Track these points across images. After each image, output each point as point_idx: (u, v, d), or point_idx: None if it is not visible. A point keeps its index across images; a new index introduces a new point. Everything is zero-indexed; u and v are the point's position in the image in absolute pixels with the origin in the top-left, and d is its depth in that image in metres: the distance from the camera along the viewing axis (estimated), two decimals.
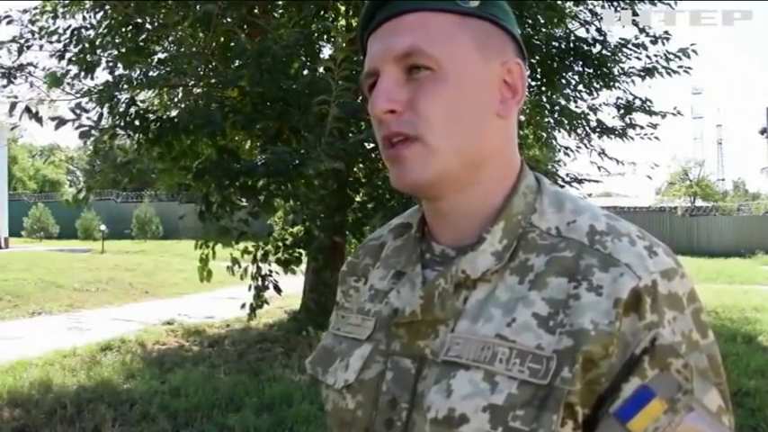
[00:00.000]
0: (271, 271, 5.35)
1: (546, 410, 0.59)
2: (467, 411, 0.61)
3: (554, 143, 7.88)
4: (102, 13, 5.89)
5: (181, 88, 6.26)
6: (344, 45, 4.34)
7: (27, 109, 4.64)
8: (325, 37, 5.87)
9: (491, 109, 0.70)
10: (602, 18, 6.77)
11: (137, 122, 4.77)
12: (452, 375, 0.64)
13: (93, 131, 4.78)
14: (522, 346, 0.62)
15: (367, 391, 0.71)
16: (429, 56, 0.67)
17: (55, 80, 5.21)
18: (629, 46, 6.47)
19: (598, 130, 7.18)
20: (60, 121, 4.57)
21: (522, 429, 0.59)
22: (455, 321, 0.67)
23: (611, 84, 6.74)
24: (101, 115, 4.94)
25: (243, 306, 5.41)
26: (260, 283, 5.32)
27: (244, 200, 4.82)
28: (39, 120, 4.63)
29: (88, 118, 4.77)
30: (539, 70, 6.44)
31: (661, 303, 0.62)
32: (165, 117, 5.03)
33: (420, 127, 0.67)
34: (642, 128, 7.19)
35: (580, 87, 6.90)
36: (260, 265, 5.31)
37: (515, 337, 0.63)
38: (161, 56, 6.16)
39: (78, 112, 4.67)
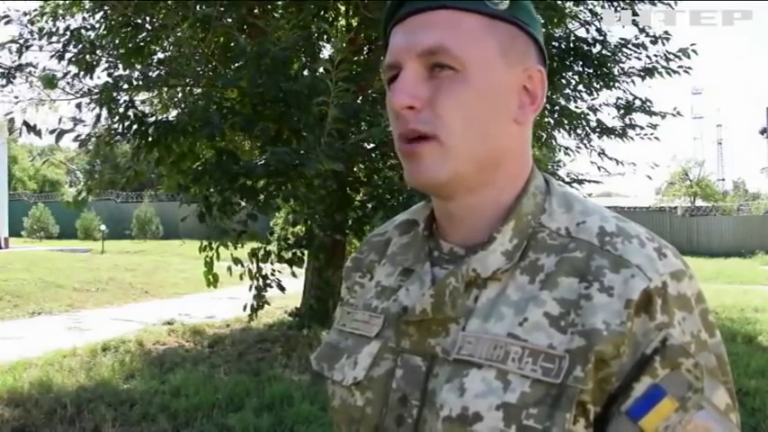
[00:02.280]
0: (274, 271, 5.35)
1: (559, 409, 0.60)
2: (480, 410, 0.62)
3: (554, 143, 7.88)
4: (101, 13, 5.89)
5: (180, 88, 6.27)
6: (344, 45, 4.35)
7: (25, 123, 4.67)
8: (325, 37, 5.87)
9: (509, 114, 0.70)
10: (602, 18, 6.76)
11: (135, 126, 4.77)
12: (465, 374, 0.65)
13: (91, 138, 4.80)
14: (535, 345, 0.63)
15: (376, 388, 0.71)
16: (454, 56, 0.67)
17: (48, 82, 5.21)
18: (629, 46, 6.47)
19: (598, 130, 7.18)
20: (60, 133, 4.59)
21: (536, 427, 0.60)
22: (466, 320, 0.68)
23: (611, 84, 6.74)
24: (98, 116, 4.95)
25: (245, 308, 5.40)
26: (261, 283, 5.31)
27: (243, 201, 4.82)
28: (37, 133, 4.65)
29: (85, 125, 4.79)
30: None
31: (671, 304, 0.63)
32: (163, 120, 5.03)
33: (437, 127, 0.67)
34: (642, 128, 7.21)
35: (580, 87, 6.91)
36: (260, 265, 5.30)
37: (527, 337, 0.64)
38: (161, 56, 6.17)
39: (76, 120, 4.70)
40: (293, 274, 5.34)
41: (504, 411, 0.61)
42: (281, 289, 5.26)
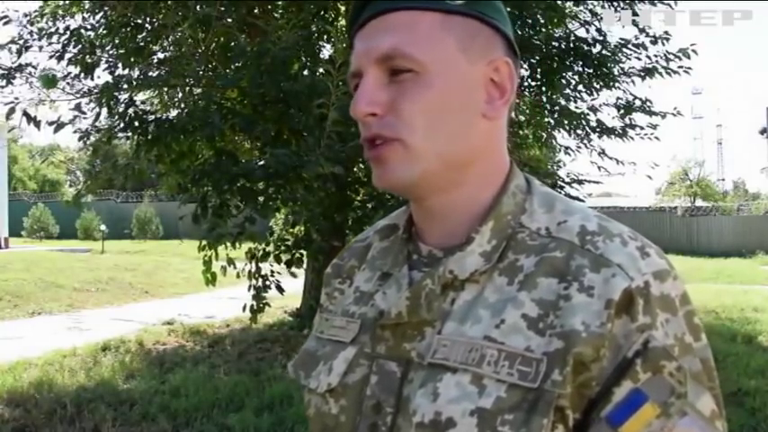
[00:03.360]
0: (273, 272, 5.34)
1: (536, 414, 0.58)
2: (454, 415, 0.60)
3: (554, 143, 7.87)
4: (101, 13, 5.89)
5: (180, 88, 6.27)
6: (344, 46, 4.33)
7: (25, 113, 4.66)
8: (325, 37, 5.87)
9: (476, 110, 0.69)
10: (602, 18, 6.76)
11: (135, 124, 4.77)
12: (439, 378, 0.63)
13: (91, 133, 4.79)
14: (511, 347, 0.61)
15: (351, 395, 0.69)
16: (411, 58, 0.66)
17: (48, 81, 5.21)
18: (629, 46, 6.46)
19: (598, 130, 7.17)
20: (59, 125, 4.59)
21: None
22: (442, 323, 0.66)
23: (611, 84, 6.74)
24: (98, 114, 4.95)
25: (244, 309, 5.40)
26: (260, 283, 5.30)
27: (242, 202, 4.81)
28: (37, 124, 4.64)
29: (86, 118, 4.78)
30: (539, 70, 6.44)
31: (653, 305, 0.61)
32: (163, 118, 5.03)
33: (401, 130, 0.66)
34: (642, 128, 7.19)
35: (580, 87, 6.89)
36: (260, 265, 5.29)
37: (504, 339, 0.62)
38: (160, 56, 6.16)
39: (76, 114, 4.69)
40: (293, 275, 5.33)
41: (479, 417, 0.59)
42: (280, 291, 5.25)
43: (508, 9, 0.74)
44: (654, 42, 6.35)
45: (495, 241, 0.68)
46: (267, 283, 5.29)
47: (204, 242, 4.93)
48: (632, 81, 6.78)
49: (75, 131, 4.81)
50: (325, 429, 0.72)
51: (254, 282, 5.26)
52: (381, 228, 0.82)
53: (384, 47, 0.66)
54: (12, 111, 4.71)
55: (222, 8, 5.11)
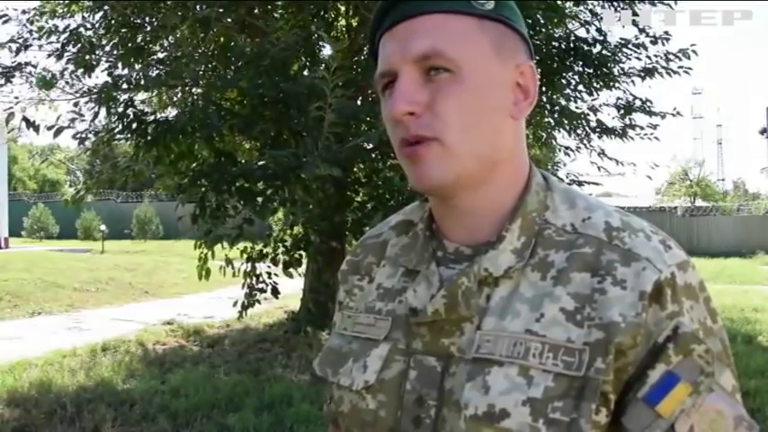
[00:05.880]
0: (270, 273, 5.33)
1: (583, 400, 0.62)
2: (507, 406, 0.63)
3: (554, 143, 7.87)
4: (101, 13, 5.89)
5: (180, 89, 6.26)
6: (338, 52, 4.33)
7: (25, 118, 4.67)
8: (324, 37, 5.86)
9: (506, 111, 0.71)
10: (602, 18, 6.76)
11: (134, 125, 4.77)
12: (487, 372, 0.66)
13: (89, 136, 4.79)
14: (554, 340, 0.65)
15: (389, 390, 0.71)
16: (449, 58, 0.68)
17: (45, 83, 5.21)
18: (629, 46, 6.47)
19: (598, 130, 7.17)
20: (58, 130, 4.59)
21: (563, 420, 0.62)
22: (480, 319, 0.69)
23: (611, 84, 6.74)
24: (96, 114, 4.94)
25: (234, 304, 5.40)
26: (253, 282, 5.31)
27: (241, 203, 4.81)
28: (36, 128, 4.65)
29: (83, 121, 4.79)
30: (539, 70, 6.40)
31: (679, 294, 0.66)
32: (162, 119, 5.03)
33: (438, 129, 0.68)
34: (642, 128, 7.20)
35: (580, 87, 6.89)
36: (255, 264, 5.30)
37: (545, 332, 0.65)
38: (160, 56, 6.16)
39: (74, 117, 4.70)
40: (289, 275, 5.31)
41: (531, 406, 0.63)
42: (275, 294, 5.24)
43: None
44: (654, 42, 6.36)
45: (525, 238, 0.71)
46: (262, 287, 5.29)
47: (201, 241, 4.94)
48: (632, 81, 6.79)
49: (74, 136, 4.81)
50: (363, 425, 0.73)
51: (248, 280, 5.27)
52: (396, 223, 0.83)
53: (422, 47, 0.68)
54: (12, 116, 4.72)
55: (221, 9, 5.11)
